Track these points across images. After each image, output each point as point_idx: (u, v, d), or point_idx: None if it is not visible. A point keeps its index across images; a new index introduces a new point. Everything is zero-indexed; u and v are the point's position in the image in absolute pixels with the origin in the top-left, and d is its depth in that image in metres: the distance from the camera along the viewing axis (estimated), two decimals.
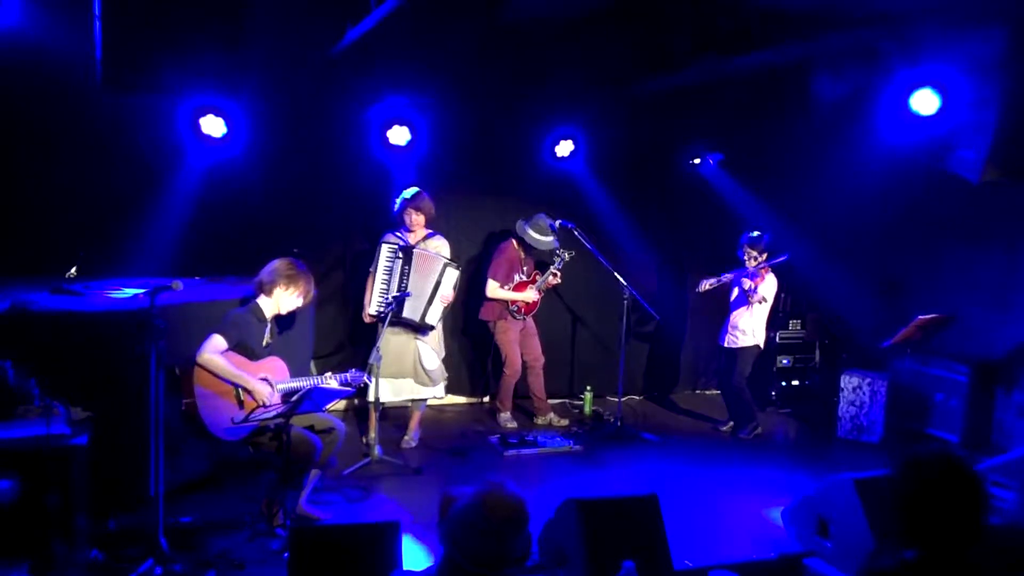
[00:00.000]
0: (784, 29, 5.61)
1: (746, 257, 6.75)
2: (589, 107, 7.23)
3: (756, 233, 6.77)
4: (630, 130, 7.56)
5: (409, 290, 5.77)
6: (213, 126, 5.91)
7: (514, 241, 6.79)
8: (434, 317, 5.88)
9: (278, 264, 4.73)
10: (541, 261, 6.94)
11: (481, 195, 7.44)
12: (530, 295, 6.73)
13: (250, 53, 5.32)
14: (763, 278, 6.70)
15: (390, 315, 5.62)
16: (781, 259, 6.72)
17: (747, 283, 6.65)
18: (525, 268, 6.80)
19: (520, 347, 6.85)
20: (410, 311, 5.78)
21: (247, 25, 5.17)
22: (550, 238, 6.67)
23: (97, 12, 4.55)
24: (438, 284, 5.83)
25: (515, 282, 6.73)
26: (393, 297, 5.70)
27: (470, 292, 7.35)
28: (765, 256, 6.71)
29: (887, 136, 6.97)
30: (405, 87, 6.59)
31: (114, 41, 4.57)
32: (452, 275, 5.90)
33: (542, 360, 6.98)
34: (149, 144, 6.04)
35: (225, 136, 5.99)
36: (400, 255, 5.88)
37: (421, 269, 5.84)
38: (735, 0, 5.51)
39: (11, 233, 5.70)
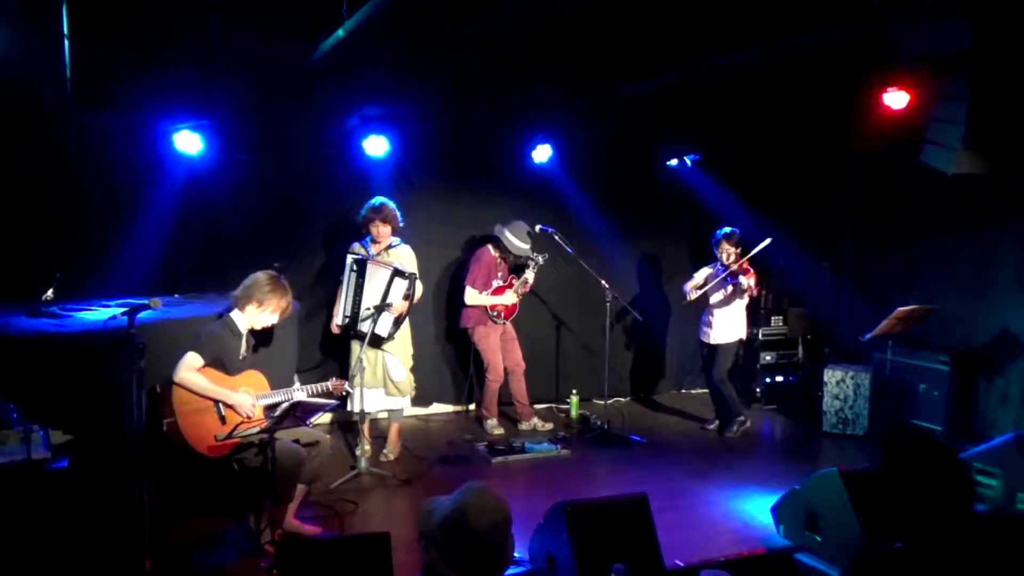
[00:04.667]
0: (757, 29, 5.65)
1: (723, 254, 6.74)
2: (566, 111, 7.24)
3: (728, 229, 6.79)
4: (608, 133, 7.59)
5: (365, 302, 5.72)
6: (188, 142, 5.87)
7: (490, 246, 6.77)
8: (384, 329, 5.75)
9: (255, 279, 4.65)
10: (517, 265, 6.94)
11: (460, 202, 7.43)
12: (508, 298, 6.73)
13: (223, 68, 5.30)
14: (752, 273, 6.70)
15: (368, 330, 5.60)
16: (764, 244, 6.62)
17: (744, 282, 6.60)
18: (501, 273, 6.79)
19: (501, 353, 6.84)
20: (367, 326, 5.68)
21: (219, 40, 5.15)
22: (527, 245, 6.66)
23: (65, 31, 4.51)
24: (386, 293, 5.70)
25: (493, 287, 6.72)
26: (375, 307, 5.67)
27: (451, 299, 7.35)
28: (739, 250, 6.73)
29: (862, 131, 7.05)
30: (382, 97, 6.58)
31: (83, 60, 4.54)
32: (400, 285, 5.74)
33: (523, 365, 6.96)
34: (124, 162, 5.98)
35: (200, 151, 5.95)
36: (355, 268, 5.80)
37: (374, 281, 5.76)
38: (708, 2, 5.55)
39: None
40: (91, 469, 4.05)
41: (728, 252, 6.70)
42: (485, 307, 6.69)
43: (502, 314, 6.75)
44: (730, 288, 6.77)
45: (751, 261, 6.72)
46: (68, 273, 5.46)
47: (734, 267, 6.64)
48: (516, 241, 6.61)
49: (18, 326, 4.56)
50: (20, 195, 5.77)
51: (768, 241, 6.59)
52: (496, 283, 6.74)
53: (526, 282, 6.76)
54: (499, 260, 6.77)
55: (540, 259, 6.74)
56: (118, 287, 5.72)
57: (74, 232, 5.93)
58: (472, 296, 6.66)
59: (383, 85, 6.54)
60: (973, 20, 5.36)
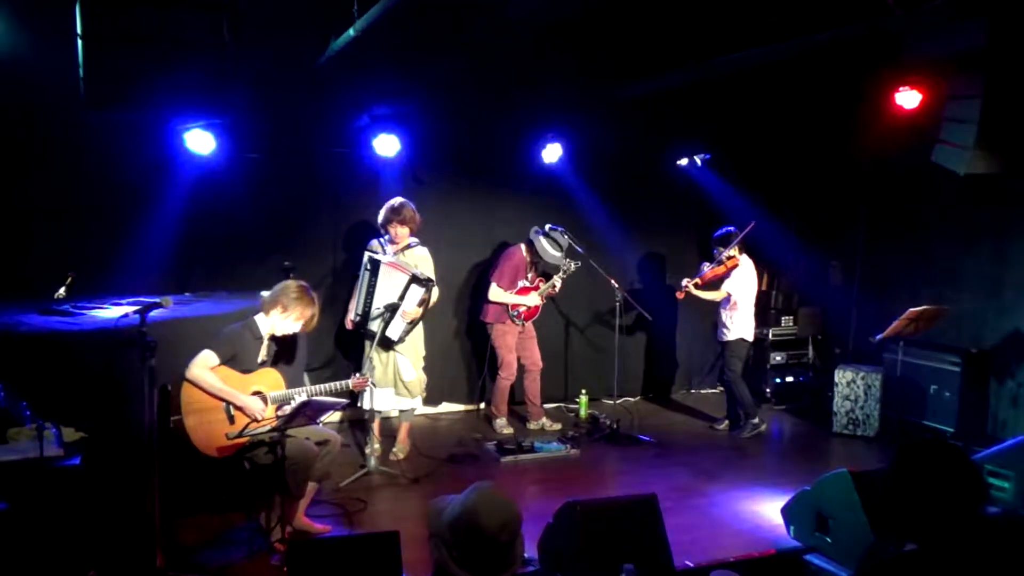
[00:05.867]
0: (768, 28, 5.64)
1: (715, 253, 6.84)
2: (576, 111, 7.24)
3: (722, 231, 6.84)
4: (617, 132, 7.57)
5: (377, 302, 5.70)
6: (199, 141, 5.89)
7: (523, 247, 6.78)
8: (395, 332, 5.73)
9: (285, 286, 4.67)
10: (545, 272, 6.94)
11: (469, 201, 7.43)
12: (532, 300, 6.73)
13: (234, 67, 5.32)
14: (717, 271, 6.77)
15: (378, 330, 5.60)
16: (747, 228, 6.76)
17: (685, 280, 6.82)
18: (530, 275, 6.80)
19: (518, 351, 6.84)
20: (376, 325, 5.69)
21: (231, 39, 5.16)
22: (559, 254, 6.64)
23: (79, 31, 4.53)
24: (401, 299, 5.67)
25: (519, 287, 6.73)
26: (386, 306, 5.66)
27: (460, 299, 7.37)
28: (737, 249, 6.76)
29: (873, 130, 7.02)
30: (391, 97, 6.59)
31: (96, 59, 4.55)
32: (416, 292, 5.70)
33: (540, 365, 6.97)
34: (136, 161, 6.02)
35: (212, 151, 5.97)
36: (369, 267, 5.78)
37: (388, 282, 5.73)
38: (717, 2, 5.54)
39: None
40: (102, 466, 4.07)
41: (722, 251, 6.79)
42: (506, 305, 6.70)
43: (523, 315, 6.76)
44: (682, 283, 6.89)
45: (759, 260, 6.76)
46: (80, 271, 5.49)
47: (728, 264, 6.76)
48: (549, 248, 6.61)
49: (30, 324, 4.59)
50: (33, 193, 5.81)
51: (752, 224, 6.77)
52: (523, 283, 6.75)
53: (553, 286, 6.78)
54: (529, 262, 6.78)
55: (572, 266, 6.72)
56: (129, 285, 5.76)
57: (86, 230, 5.97)
58: (496, 292, 6.67)
59: (393, 84, 6.54)
60: (987, 18, 5.33)
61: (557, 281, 6.75)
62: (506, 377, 6.81)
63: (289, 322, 4.66)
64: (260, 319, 4.66)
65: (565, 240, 6.66)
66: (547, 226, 6.74)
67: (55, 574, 3.66)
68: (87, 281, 5.56)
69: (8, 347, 4.28)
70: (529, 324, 6.89)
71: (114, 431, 4.31)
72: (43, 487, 3.66)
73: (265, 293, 4.84)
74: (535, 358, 6.94)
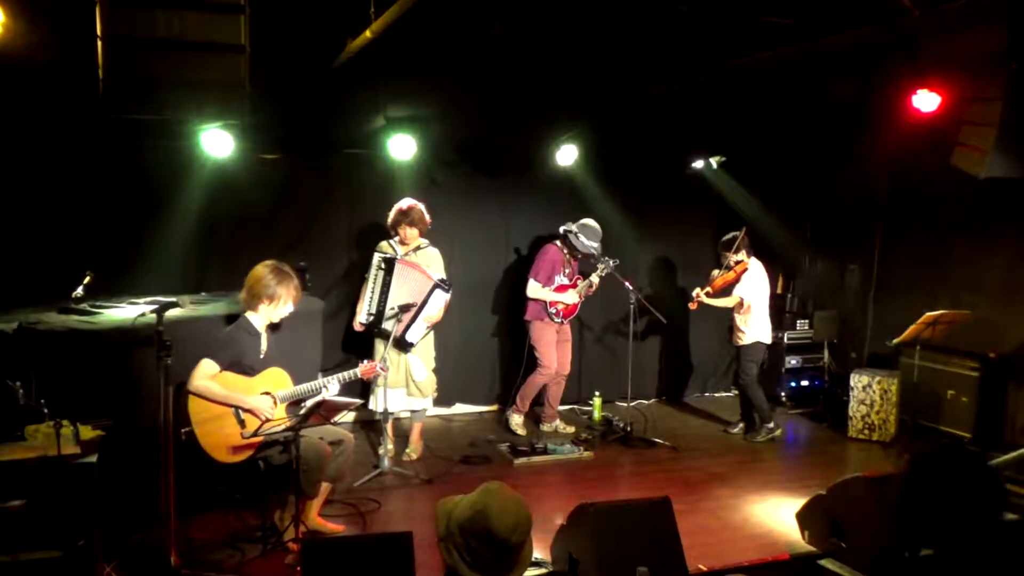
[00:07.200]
0: (785, 30, 5.61)
1: (723, 259, 6.84)
2: (591, 113, 7.23)
3: (726, 236, 6.82)
4: (632, 135, 7.56)
5: (391, 302, 5.70)
6: (217, 143, 5.92)
7: (558, 243, 6.79)
8: (415, 335, 5.77)
9: (257, 277, 4.60)
10: (584, 271, 6.93)
11: (483, 203, 7.44)
12: (570, 297, 6.74)
13: (251, 68, 5.35)
14: (723, 280, 6.76)
15: (393, 330, 5.62)
16: (741, 232, 6.76)
17: (696, 292, 6.79)
18: (567, 271, 6.80)
19: None
20: (391, 325, 5.70)
21: (248, 41, 5.19)
22: (594, 243, 6.63)
23: (97, 32, 4.57)
24: (424, 304, 5.70)
25: (556, 284, 6.73)
26: (400, 306, 5.67)
27: (474, 299, 7.36)
28: (746, 253, 6.76)
29: (891, 132, 6.97)
30: (407, 97, 6.60)
31: (115, 61, 4.58)
32: (441, 296, 5.77)
33: (568, 371, 6.97)
34: (153, 162, 6.06)
35: (229, 152, 6.00)
36: (383, 266, 5.80)
37: (403, 284, 5.74)
38: (734, 4, 5.51)
39: (17, 254, 5.71)
40: (119, 464, 4.10)
41: (726, 256, 6.79)
42: (544, 303, 6.71)
43: (561, 312, 6.77)
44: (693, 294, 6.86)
45: (774, 263, 6.74)
46: (98, 271, 5.53)
47: (737, 269, 6.75)
48: (583, 238, 6.61)
49: (49, 323, 4.63)
50: (52, 194, 5.86)
51: (744, 228, 6.77)
52: (561, 280, 6.75)
53: (590, 284, 6.78)
54: (567, 258, 6.78)
55: (611, 263, 6.68)
56: (145, 285, 5.80)
57: (104, 230, 6.02)
58: (534, 289, 6.69)
59: (409, 85, 6.55)
60: (1006, 20, 5.28)
61: (595, 279, 6.75)
62: (544, 374, 6.77)
63: (280, 307, 4.63)
64: (252, 316, 4.61)
65: (597, 229, 6.67)
66: (561, 228, 6.73)
67: (71, 571, 3.68)
68: (105, 281, 5.59)
69: (27, 345, 4.32)
70: (566, 327, 6.89)
71: (130, 429, 4.34)
72: (60, 484, 3.68)
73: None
74: (565, 362, 6.93)
